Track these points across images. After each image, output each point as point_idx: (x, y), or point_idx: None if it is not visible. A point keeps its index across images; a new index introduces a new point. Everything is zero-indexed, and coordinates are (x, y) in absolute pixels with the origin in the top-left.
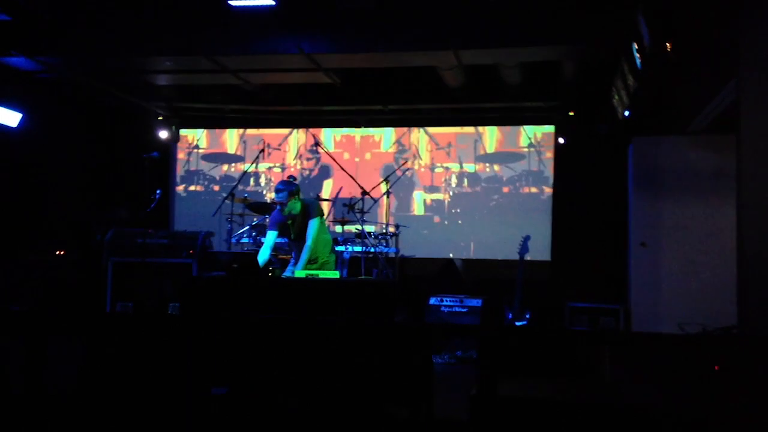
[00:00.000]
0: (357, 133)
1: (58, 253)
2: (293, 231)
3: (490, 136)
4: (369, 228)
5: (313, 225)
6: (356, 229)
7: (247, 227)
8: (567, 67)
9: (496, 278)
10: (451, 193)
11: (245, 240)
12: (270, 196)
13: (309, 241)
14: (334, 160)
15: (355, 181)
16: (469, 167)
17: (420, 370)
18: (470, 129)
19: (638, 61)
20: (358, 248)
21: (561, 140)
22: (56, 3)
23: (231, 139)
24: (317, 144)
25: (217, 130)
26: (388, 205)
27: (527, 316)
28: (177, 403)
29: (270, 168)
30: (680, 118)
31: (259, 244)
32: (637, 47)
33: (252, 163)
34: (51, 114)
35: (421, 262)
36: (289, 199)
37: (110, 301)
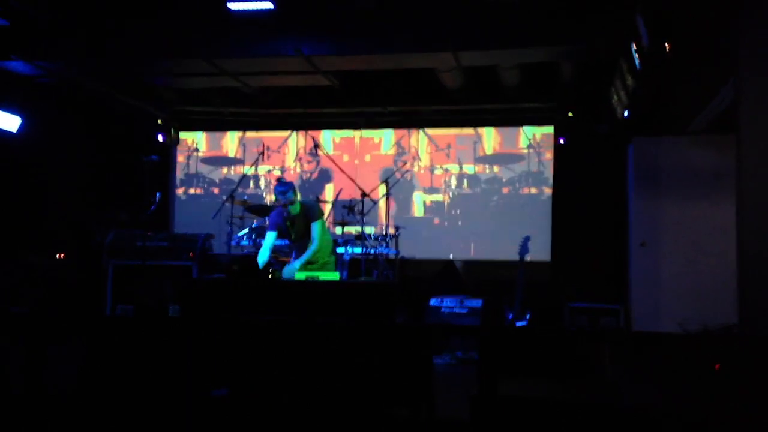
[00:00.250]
0: (356, 135)
1: (58, 256)
2: (294, 232)
3: (490, 138)
4: (369, 230)
5: (318, 227)
6: (356, 230)
7: (247, 229)
8: (566, 68)
9: (496, 279)
10: (450, 195)
11: (245, 242)
12: (270, 198)
13: (315, 243)
14: (333, 162)
15: (355, 183)
16: (469, 168)
17: (421, 370)
18: (470, 130)
19: (637, 61)
20: (358, 250)
21: (561, 141)
22: (55, 7)
23: (230, 141)
24: (317, 146)
25: (217, 133)
26: (388, 207)
27: (528, 317)
28: (177, 405)
29: (269, 170)
30: (680, 118)
31: (259, 246)
32: (635, 47)
33: (251, 166)
34: (51, 118)
35: (421, 264)
36: (295, 196)
37: (110, 304)
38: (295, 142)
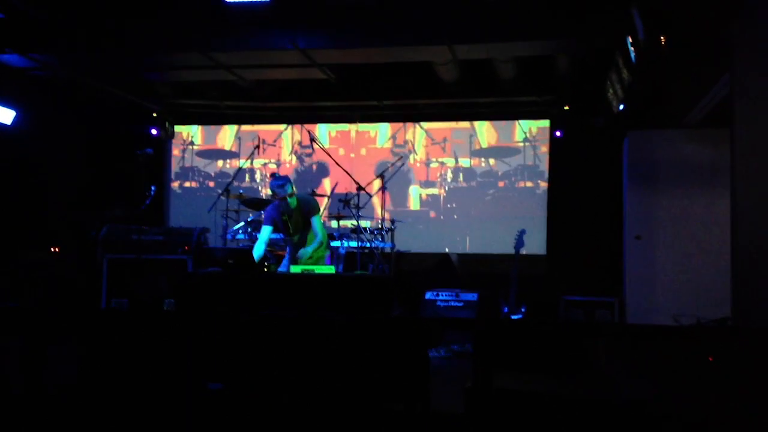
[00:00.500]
0: (352, 128)
1: (52, 250)
2: (291, 226)
3: (485, 131)
4: (365, 223)
5: (319, 220)
6: (352, 224)
7: (243, 223)
8: (561, 61)
9: (491, 272)
10: (446, 188)
11: (240, 236)
12: (266, 191)
13: (320, 236)
14: (329, 155)
15: (351, 177)
16: (465, 162)
17: (416, 364)
18: (465, 124)
19: (633, 55)
20: (353, 243)
21: (557, 134)
22: (49, 0)
23: (226, 135)
24: (312, 140)
25: (212, 127)
26: (384, 201)
27: (523, 310)
28: (173, 398)
29: (265, 164)
30: (675, 112)
31: (254, 240)
32: (631, 41)
33: (247, 159)
34: (45, 111)
35: (416, 257)
36: (293, 190)
37: (106, 298)
38: (290, 135)
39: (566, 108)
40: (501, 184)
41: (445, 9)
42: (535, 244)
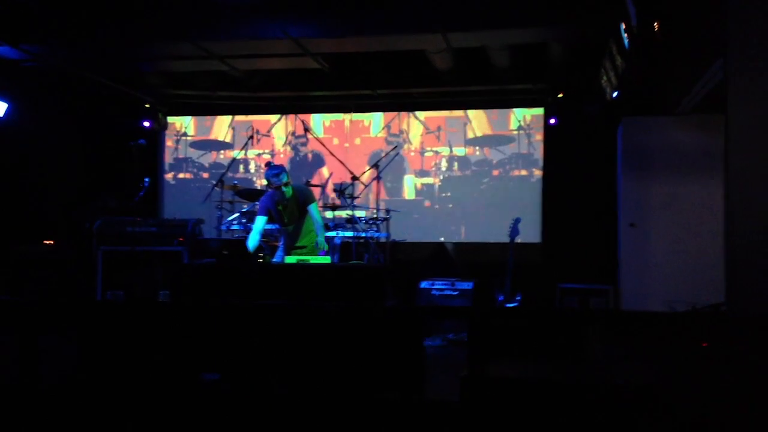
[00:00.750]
0: (346, 118)
1: (46, 242)
2: (286, 215)
3: (480, 120)
4: (359, 213)
5: (315, 207)
6: (347, 214)
7: (237, 214)
8: (555, 49)
9: (487, 261)
10: (441, 177)
11: (235, 227)
12: (260, 182)
13: (320, 223)
14: (323, 145)
15: (345, 167)
16: (459, 151)
17: (411, 353)
18: (459, 112)
19: (626, 42)
20: (348, 233)
21: (551, 122)
22: None
23: (219, 125)
24: (306, 130)
25: (206, 117)
26: (378, 190)
27: (518, 298)
28: (168, 389)
29: (259, 154)
30: (669, 99)
31: (249, 231)
32: (625, 27)
33: (241, 150)
34: (38, 103)
35: (411, 247)
36: (288, 179)
37: (101, 290)
38: (284, 125)
39: (560, 96)
40: (495, 172)
41: None
42: (530, 233)
